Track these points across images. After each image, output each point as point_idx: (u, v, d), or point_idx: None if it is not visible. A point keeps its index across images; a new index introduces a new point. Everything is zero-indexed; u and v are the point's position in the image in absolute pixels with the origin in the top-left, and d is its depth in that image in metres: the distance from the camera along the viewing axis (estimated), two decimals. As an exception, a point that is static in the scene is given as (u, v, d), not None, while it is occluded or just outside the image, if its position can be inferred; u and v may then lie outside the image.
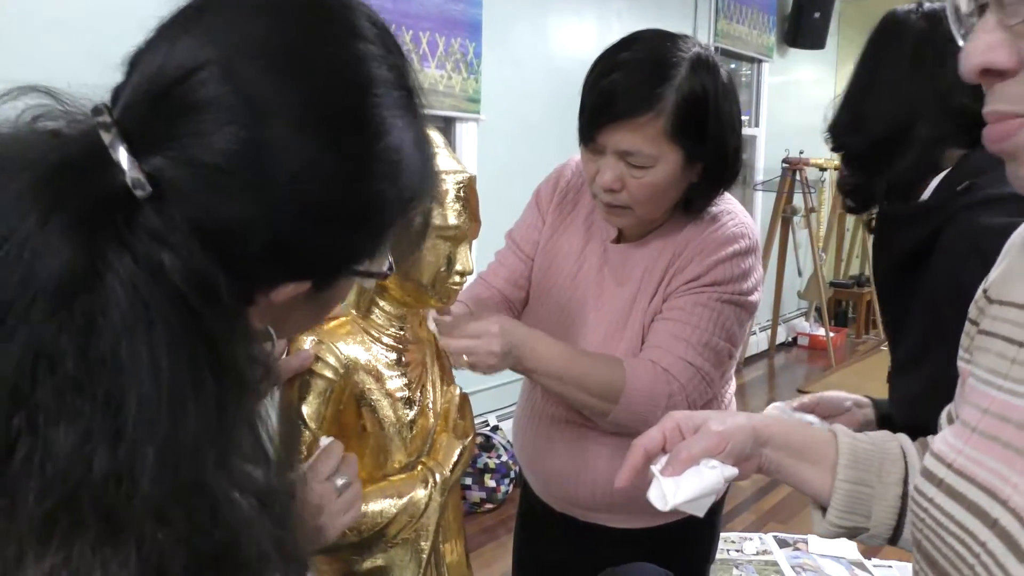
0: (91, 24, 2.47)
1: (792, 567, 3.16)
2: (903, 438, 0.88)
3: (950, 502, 0.64)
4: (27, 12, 2.35)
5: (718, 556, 3.17)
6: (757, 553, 3.25)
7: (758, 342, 6.38)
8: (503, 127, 3.91)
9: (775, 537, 3.36)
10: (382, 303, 1.05)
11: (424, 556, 1.04)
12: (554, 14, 4.24)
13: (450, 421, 1.11)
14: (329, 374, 1.00)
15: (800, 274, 6.57)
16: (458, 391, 1.13)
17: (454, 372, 1.14)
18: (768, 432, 0.85)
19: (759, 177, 6.31)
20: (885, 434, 0.89)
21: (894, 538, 0.84)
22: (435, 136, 1.05)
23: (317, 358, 1.00)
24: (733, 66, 5.94)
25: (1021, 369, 0.63)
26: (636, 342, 1.31)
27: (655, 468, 0.83)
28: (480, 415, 3.87)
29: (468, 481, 3.51)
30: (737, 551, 3.25)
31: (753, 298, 1.31)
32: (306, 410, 0.99)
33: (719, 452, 0.81)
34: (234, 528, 0.51)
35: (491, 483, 3.54)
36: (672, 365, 1.23)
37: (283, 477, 0.60)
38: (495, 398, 3.75)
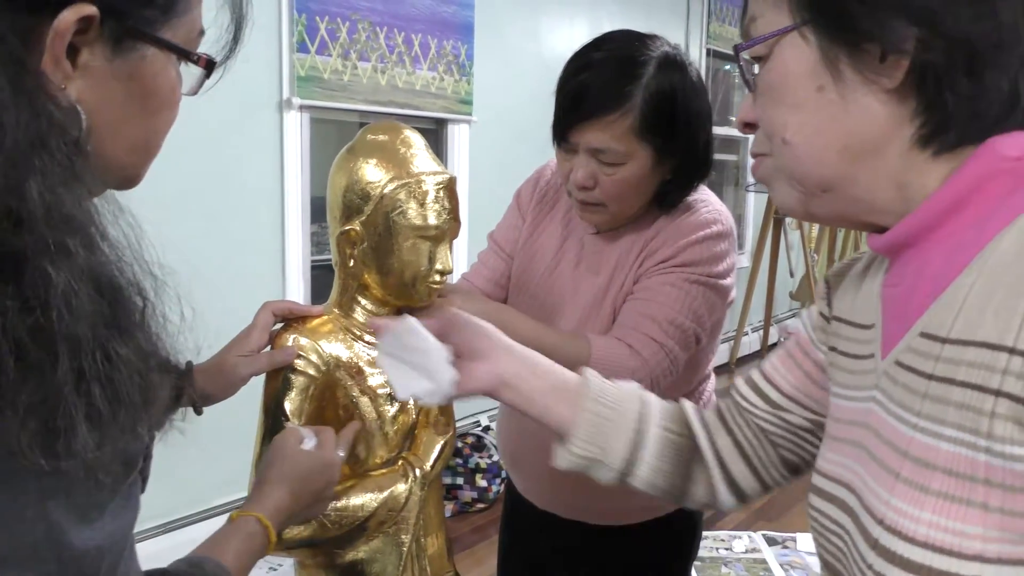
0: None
1: (781, 565, 3.21)
2: (649, 394, 0.95)
3: (824, 503, 0.71)
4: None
5: (707, 554, 3.21)
6: (746, 551, 3.30)
7: (750, 343, 6.41)
8: (495, 129, 3.93)
9: (764, 535, 3.40)
10: (364, 301, 1.07)
11: (405, 549, 1.06)
12: (546, 16, 4.26)
13: (431, 417, 1.13)
14: (311, 371, 1.02)
15: (792, 275, 6.60)
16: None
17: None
18: (522, 359, 0.91)
19: (751, 178, 6.34)
20: (632, 383, 0.96)
21: (623, 475, 0.89)
22: (415, 137, 1.07)
23: (300, 355, 1.02)
24: (728, 67, 5.97)
25: (862, 378, 0.69)
26: (608, 326, 1.32)
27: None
28: (472, 415, 3.89)
29: (460, 481, 3.53)
30: (727, 549, 3.29)
31: (725, 282, 1.31)
32: (288, 406, 1.01)
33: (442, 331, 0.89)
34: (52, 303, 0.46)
35: (482, 483, 3.55)
36: (636, 341, 1.24)
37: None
38: (486, 399, 3.77)
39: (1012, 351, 0.53)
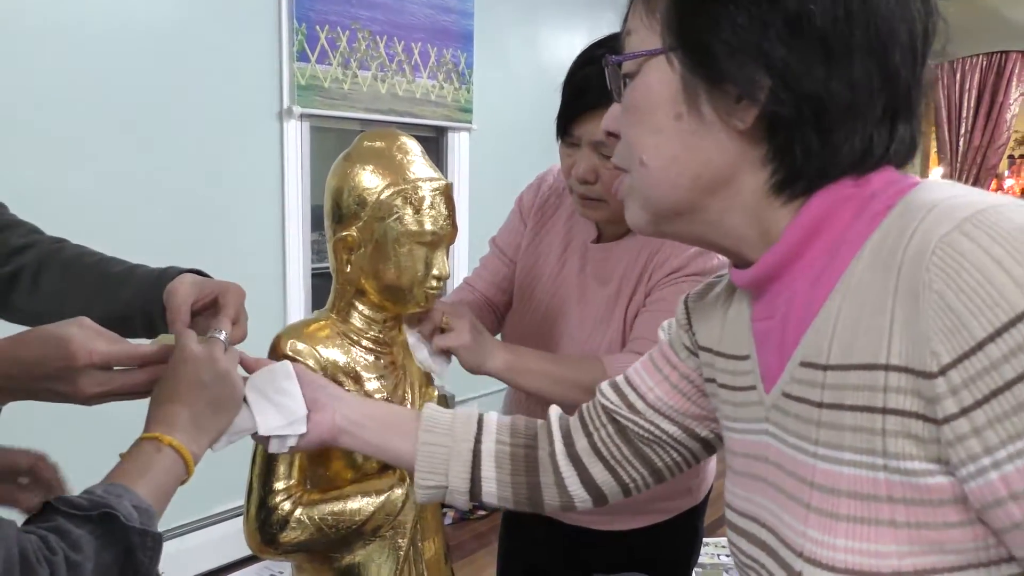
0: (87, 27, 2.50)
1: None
2: (490, 413, 0.99)
3: (738, 538, 0.72)
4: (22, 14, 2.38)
5: (708, 560, 3.21)
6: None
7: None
8: (495, 137, 3.94)
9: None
10: (361, 307, 1.08)
11: (402, 553, 1.07)
12: (545, 25, 4.28)
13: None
14: (308, 376, 1.02)
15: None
16: (436, 393, 1.15)
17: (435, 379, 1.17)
18: (355, 405, 0.95)
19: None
20: (471, 409, 0.99)
21: (473, 495, 0.93)
22: (411, 144, 1.08)
23: (297, 360, 1.02)
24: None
25: (749, 410, 0.71)
26: (618, 338, 1.33)
27: None
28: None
29: (460, 488, 3.53)
30: (727, 556, 3.28)
31: None
32: (286, 411, 1.01)
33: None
34: None
35: (483, 490, 3.56)
36: (650, 347, 1.23)
37: None
38: (486, 406, 3.77)
39: (887, 368, 0.54)
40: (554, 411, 0.98)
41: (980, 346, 0.48)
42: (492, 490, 0.93)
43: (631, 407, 0.88)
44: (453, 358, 1.19)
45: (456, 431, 0.94)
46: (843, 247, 0.60)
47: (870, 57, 0.59)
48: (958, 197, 0.54)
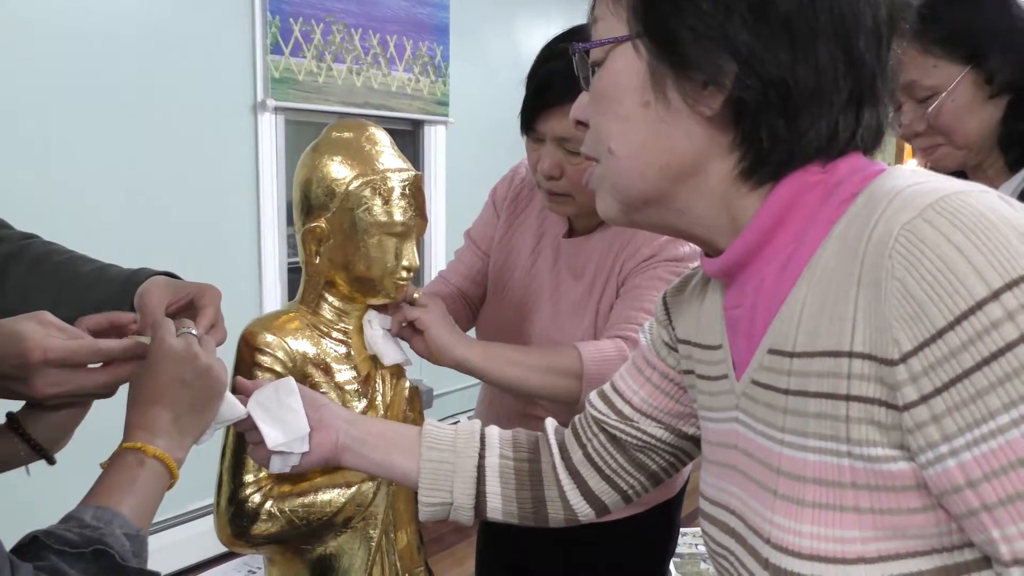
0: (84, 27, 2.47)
1: (758, 560, 3.23)
2: (491, 428, 0.97)
3: (710, 527, 0.73)
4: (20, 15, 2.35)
5: (686, 551, 3.23)
6: (725, 547, 3.32)
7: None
8: (471, 129, 3.94)
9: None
10: (330, 298, 1.08)
11: (374, 544, 1.07)
12: (521, 17, 4.27)
13: (400, 413, 1.14)
14: (278, 368, 1.02)
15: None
16: (408, 384, 1.15)
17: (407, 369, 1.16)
18: (358, 423, 0.93)
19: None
20: (474, 423, 0.97)
21: (478, 511, 0.92)
22: (380, 135, 1.08)
23: (266, 352, 1.02)
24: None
25: (722, 399, 0.71)
26: (591, 331, 1.33)
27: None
28: (451, 415, 3.89)
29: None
30: (705, 545, 3.31)
31: None
32: (255, 403, 1.01)
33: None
34: None
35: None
36: (629, 331, 1.24)
37: None
38: (465, 399, 3.78)
39: (851, 355, 0.54)
40: (550, 424, 0.97)
41: (940, 334, 0.48)
42: (497, 506, 0.92)
43: (619, 414, 0.87)
44: (405, 345, 1.17)
45: (459, 447, 0.93)
46: (809, 233, 0.60)
47: (834, 42, 0.59)
48: (923, 184, 0.54)
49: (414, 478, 0.92)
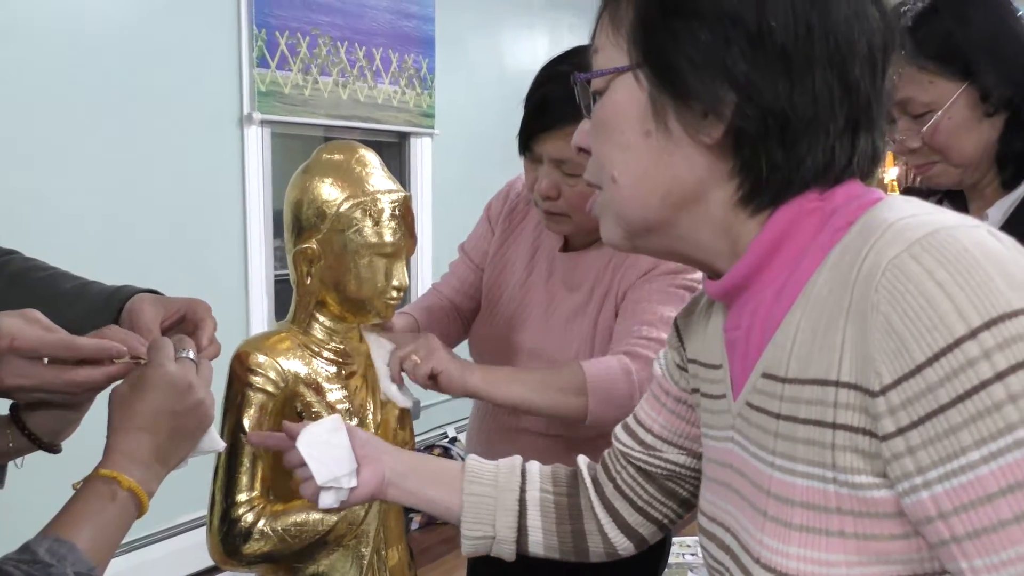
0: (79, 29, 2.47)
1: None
2: (531, 463, 0.98)
3: (707, 541, 0.74)
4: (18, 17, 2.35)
5: (674, 560, 3.24)
6: (711, 556, 3.34)
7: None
8: (457, 141, 3.96)
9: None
10: (321, 318, 1.09)
11: (365, 561, 1.08)
12: (506, 29, 4.30)
13: (390, 431, 1.15)
14: (269, 388, 1.03)
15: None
16: (400, 406, 1.16)
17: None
18: (402, 458, 0.95)
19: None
20: (514, 458, 0.98)
21: (520, 544, 0.93)
22: (370, 156, 1.09)
23: (258, 372, 1.03)
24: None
25: (721, 418, 0.73)
26: (587, 346, 1.34)
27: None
28: (439, 427, 3.90)
29: (427, 492, 3.53)
30: (692, 555, 3.32)
31: (701, 286, 1.33)
32: (247, 423, 1.02)
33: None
34: None
35: (450, 494, 3.56)
36: (633, 345, 1.25)
37: None
38: (453, 410, 3.79)
39: (837, 384, 0.55)
40: (582, 460, 0.98)
41: (919, 369, 0.49)
42: (539, 539, 0.92)
43: (642, 443, 0.88)
44: (413, 387, 1.18)
45: (500, 481, 0.94)
46: (805, 260, 0.62)
47: (831, 70, 0.60)
48: (915, 217, 0.55)
49: (456, 512, 0.92)
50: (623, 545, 0.92)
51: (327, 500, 0.89)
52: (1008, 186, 1.19)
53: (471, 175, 3.96)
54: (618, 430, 0.93)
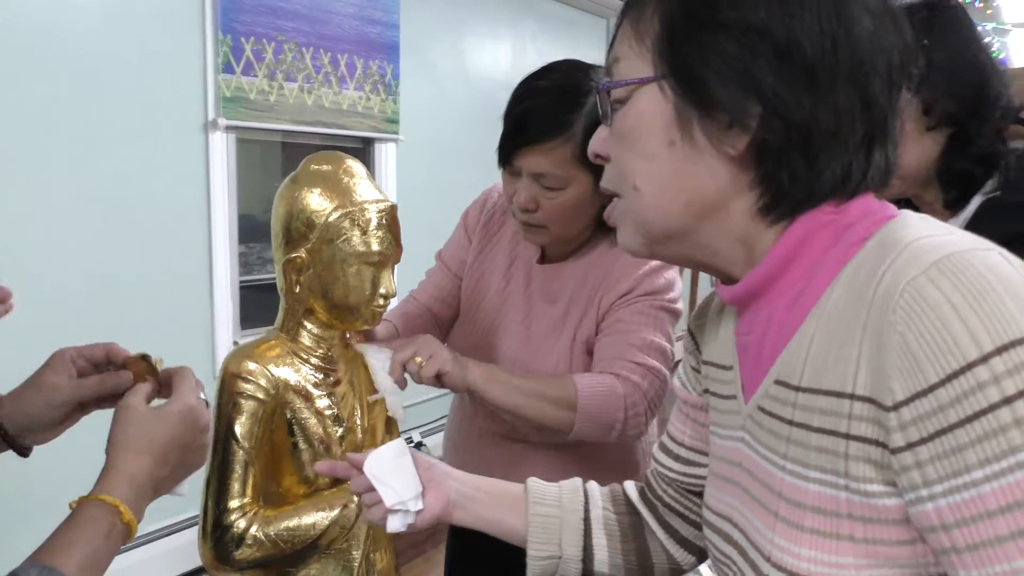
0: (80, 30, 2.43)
1: None
2: (591, 484, 1.00)
3: (713, 535, 0.77)
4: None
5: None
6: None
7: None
8: (422, 147, 3.97)
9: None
10: (309, 326, 1.10)
11: (355, 565, 1.10)
12: (470, 36, 4.32)
13: (378, 437, 1.17)
14: (260, 395, 1.05)
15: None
16: (389, 411, 1.18)
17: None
18: (465, 481, 0.96)
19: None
20: (575, 480, 1.00)
21: (585, 563, 0.94)
22: (357, 167, 1.11)
23: (249, 380, 1.04)
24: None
25: (730, 418, 0.75)
26: (565, 357, 1.36)
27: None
28: (404, 432, 3.90)
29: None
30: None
31: (678, 306, 1.37)
32: (239, 430, 1.03)
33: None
34: None
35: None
36: (622, 368, 1.28)
37: None
38: (419, 414, 3.79)
39: (852, 397, 0.58)
40: (629, 485, 1.00)
41: (931, 389, 0.51)
42: (604, 558, 0.93)
43: (678, 459, 0.91)
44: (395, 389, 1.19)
45: (565, 502, 0.95)
46: (820, 272, 0.63)
47: (852, 85, 0.61)
48: (930, 238, 0.57)
49: (522, 533, 0.93)
50: (685, 559, 0.94)
51: (395, 524, 0.91)
52: (950, 207, 1.20)
53: (436, 180, 3.98)
54: (656, 451, 0.95)
